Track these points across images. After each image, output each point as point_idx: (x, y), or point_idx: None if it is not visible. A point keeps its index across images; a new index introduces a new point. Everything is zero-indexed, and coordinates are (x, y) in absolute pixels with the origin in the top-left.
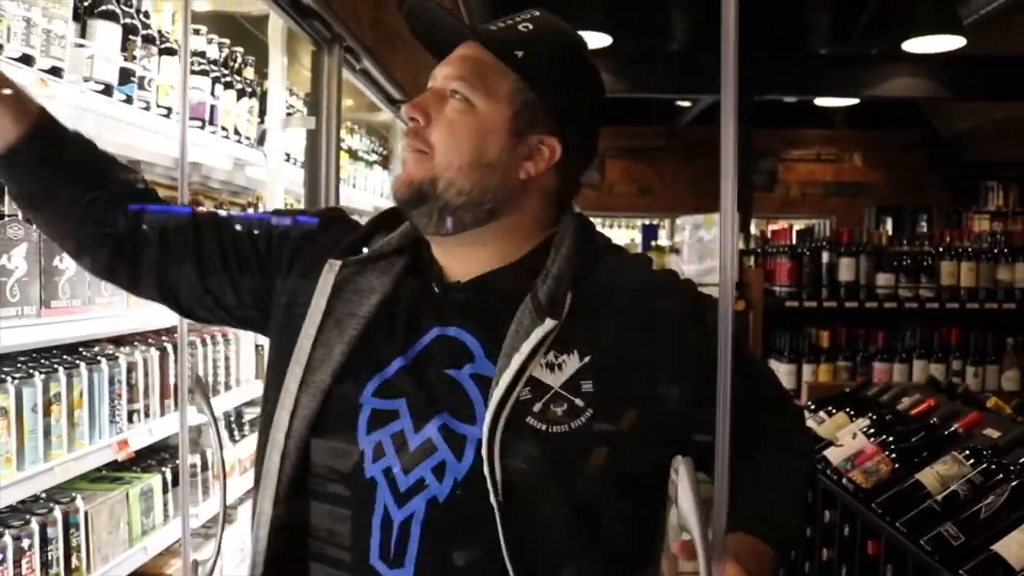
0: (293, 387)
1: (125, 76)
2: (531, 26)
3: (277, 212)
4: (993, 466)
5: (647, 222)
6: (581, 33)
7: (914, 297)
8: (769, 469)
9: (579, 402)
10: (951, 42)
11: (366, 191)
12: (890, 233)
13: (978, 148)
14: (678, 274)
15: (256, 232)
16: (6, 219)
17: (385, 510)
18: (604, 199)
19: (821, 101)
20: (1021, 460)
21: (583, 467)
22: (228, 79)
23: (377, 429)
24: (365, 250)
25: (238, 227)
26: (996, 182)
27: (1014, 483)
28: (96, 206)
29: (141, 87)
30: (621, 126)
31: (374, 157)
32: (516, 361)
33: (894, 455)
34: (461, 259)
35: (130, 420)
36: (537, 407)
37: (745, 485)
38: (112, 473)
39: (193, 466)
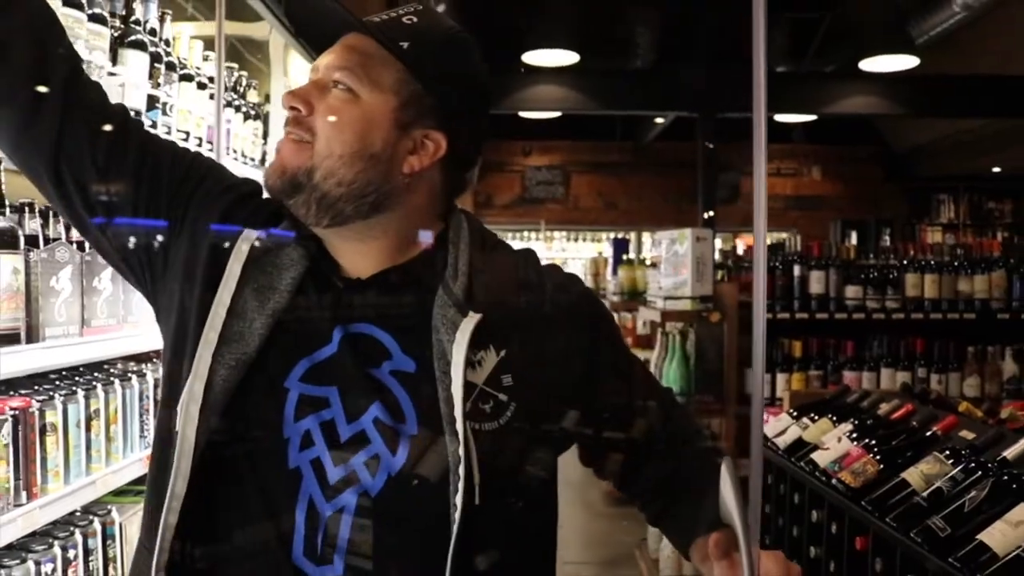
0: (207, 356)
1: (151, 102)
2: (416, 19)
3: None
4: (972, 464)
5: (614, 235)
6: (549, 52)
7: (881, 308)
8: (703, 461)
9: (502, 397)
10: (905, 61)
11: None
12: (855, 247)
13: (930, 162)
14: (560, 267)
15: (182, 157)
16: (53, 243)
17: (311, 503)
18: (569, 213)
19: (781, 117)
20: (998, 458)
21: (512, 461)
22: (237, 102)
23: (305, 417)
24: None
25: (166, 143)
26: (947, 195)
27: (993, 479)
28: (42, 38)
29: (164, 113)
30: (587, 141)
31: None
32: (459, 356)
33: (879, 456)
34: (353, 254)
35: None
36: (468, 406)
37: (698, 482)
38: (133, 487)
39: None
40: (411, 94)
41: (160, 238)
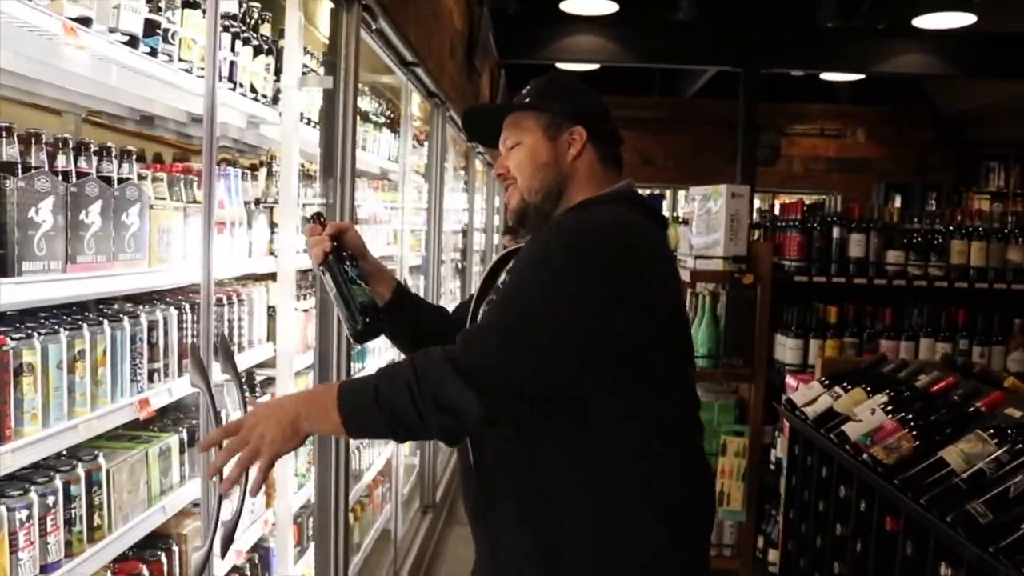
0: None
1: (150, 28)
2: (529, 87)
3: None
4: (1020, 445)
5: (650, 192)
6: (587, 1)
7: (923, 275)
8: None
9: (499, 286)
10: (961, 19)
11: (377, 154)
12: (899, 210)
13: (980, 127)
14: (609, 218)
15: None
16: (34, 171)
17: None
18: None
19: (827, 75)
20: None
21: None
22: (246, 35)
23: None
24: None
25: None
26: (997, 162)
27: None
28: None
29: (165, 40)
30: (624, 96)
31: (383, 119)
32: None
33: (915, 432)
34: None
35: (150, 379)
36: (490, 297)
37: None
38: (130, 432)
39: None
40: (547, 120)
41: None
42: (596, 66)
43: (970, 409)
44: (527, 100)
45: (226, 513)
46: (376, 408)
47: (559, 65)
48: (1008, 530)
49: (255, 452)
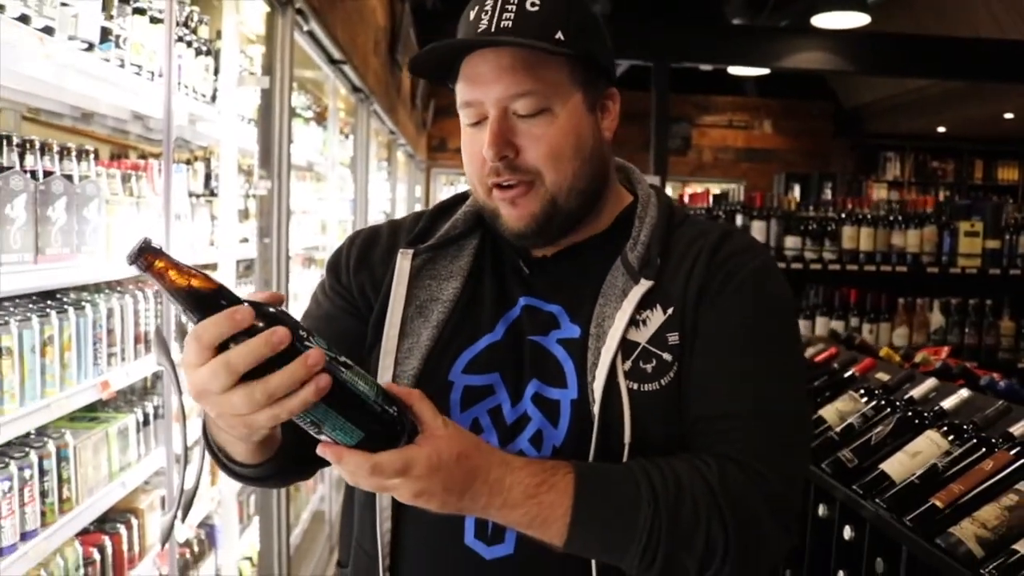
0: (387, 377)
1: (104, 35)
2: (538, 3)
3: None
4: (882, 402)
5: None
6: None
7: (818, 259)
8: (665, 468)
9: (666, 356)
10: (856, 19)
11: (305, 147)
12: (798, 199)
13: (878, 120)
14: (752, 239)
15: (336, 304)
16: (7, 171)
17: None
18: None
19: (734, 70)
20: (905, 397)
21: (673, 426)
22: (188, 38)
23: (472, 406)
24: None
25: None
26: (894, 152)
27: (899, 415)
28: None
29: (117, 46)
30: None
31: (310, 114)
32: (620, 320)
33: None
34: None
35: (109, 363)
36: (627, 365)
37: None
38: (87, 413)
39: (157, 407)
40: (585, 76)
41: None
42: None
43: (846, 375)
44: (558, 35)
45: (187, 482)
46: (639, 532)
47: None
48: (868, 471)
49: (391, 491)
